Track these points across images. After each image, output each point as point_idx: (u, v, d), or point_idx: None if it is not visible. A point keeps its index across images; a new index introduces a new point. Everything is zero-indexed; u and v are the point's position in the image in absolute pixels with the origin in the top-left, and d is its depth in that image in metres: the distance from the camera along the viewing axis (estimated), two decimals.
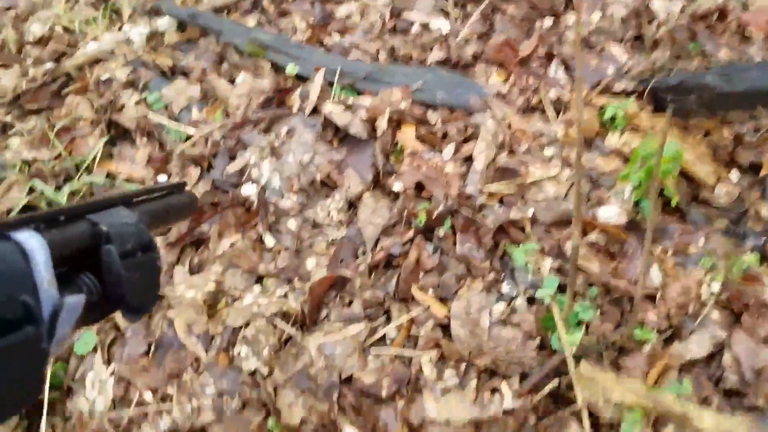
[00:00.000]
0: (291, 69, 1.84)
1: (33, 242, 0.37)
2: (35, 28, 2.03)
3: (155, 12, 2.10)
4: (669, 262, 1.41)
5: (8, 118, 1.84)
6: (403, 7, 2.06)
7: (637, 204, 1.48)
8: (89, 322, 0.45)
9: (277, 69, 1.90)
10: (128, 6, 2.13)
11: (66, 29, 2.05)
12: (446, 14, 2.03)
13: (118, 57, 1.91)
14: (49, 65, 1.93)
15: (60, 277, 0.38)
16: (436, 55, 1.85)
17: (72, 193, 1.65)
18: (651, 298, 1.35)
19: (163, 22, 1.98)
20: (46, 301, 0.37)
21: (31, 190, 1.66)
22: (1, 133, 1.84)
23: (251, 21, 2.08)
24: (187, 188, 0.65)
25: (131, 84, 1.87)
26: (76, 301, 0.39)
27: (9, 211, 1.62)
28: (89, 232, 0.45)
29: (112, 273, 0.44)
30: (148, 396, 1.34)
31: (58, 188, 1.66)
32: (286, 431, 1.26)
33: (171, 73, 1.92)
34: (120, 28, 1.99)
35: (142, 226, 0.48)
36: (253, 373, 1.35)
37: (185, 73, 1.92)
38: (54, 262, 0.38)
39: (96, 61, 1.91)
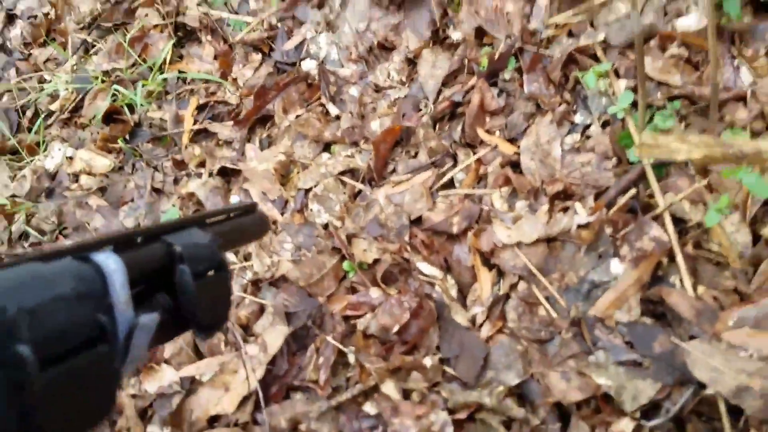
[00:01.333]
0: None
1: (111, 263, 0.38)
2: None
3: None
4: (761, 62, 1.25)
5: (89, 38, 1.96)
6: None
7: (719, 7, 1.32)
8: (163, 341, 0.46)
9: None
10: None
11: None
12: None
13: None
14: None
15: (135, 297, 0.39)
16: None
17: (149, 93, 1.74)
18: (741, 99, 1.21)
19: None
20: (121, 321, 0.37)
21: (114, 96, 1.76)
22: (84, 52, 1.96)
23: None
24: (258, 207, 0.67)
25: None
26: (150, 320, 0.39)
27: (93, 118, 1.74)
28: (164, 252, 0.45)
29: (186, 293, 0.45)
30: (230, 257, 1.40)
31: (135, 90, 1.75)
32: (361, 271, 1.27)
33: None
34: None
35: (214, 246, 0.48)
36: (326, 227, 1.37)
37: None
38: (130, 282, 0.39)
39: None
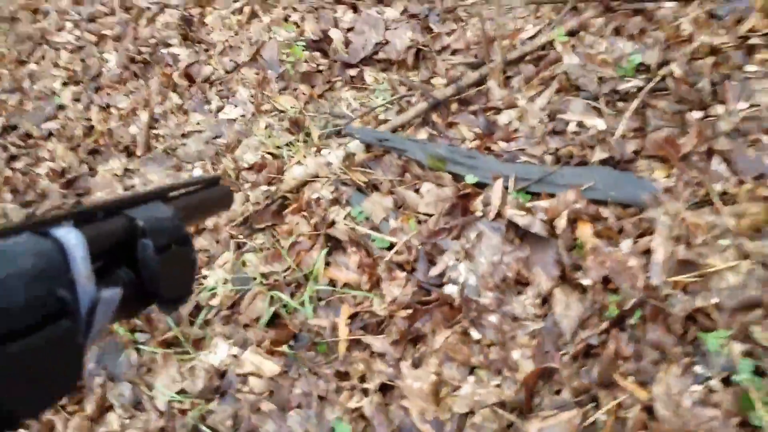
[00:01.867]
0: (470, 179, 2.13)
1: (71, 238, 0.38)
2: (248, 157, 2.46)
3: (339, 134, 2.49)
4: None
5: (240, 237, 2.25)
6: (558, 109, 2.32)
7: None
8: (126, 316, 0.47)
9: (455, 177, 2.20)
10: (316, 129, 2.53)
11: (272, 155, 2.47)
12: (599, 112, 2.26)
13: (321, 178, 2.28)
14: (264, 188, 2.34)
15: (97, 272, 0.40)
16: (599, 155, 2.09)
17: (311, 298, 2.00)
18: None
19: (353, 145, 2.35)
20: (83, 295, 0.38)
21: (271, 299, 2.02)
22: (236, 248, 2.24)
23: (422, 134, 2.41)
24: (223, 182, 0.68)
25: (336, 201, 2.23)
26: (112, 295, 0.40)
27: (257, 319, 1.99)
28: (126, 226, 0.46)
29: (148, 267, 0.46)
30: None
31: (292, 295, 2.02)
32: None
33: (365, 188, 2.26)
34: (318, 152, 2.38)
35: (177, 220, 0.49)
36: None
37: (376, 187, 2.26)
38: (91, 257, 0.39)
39: (304, 183, 2.30)
